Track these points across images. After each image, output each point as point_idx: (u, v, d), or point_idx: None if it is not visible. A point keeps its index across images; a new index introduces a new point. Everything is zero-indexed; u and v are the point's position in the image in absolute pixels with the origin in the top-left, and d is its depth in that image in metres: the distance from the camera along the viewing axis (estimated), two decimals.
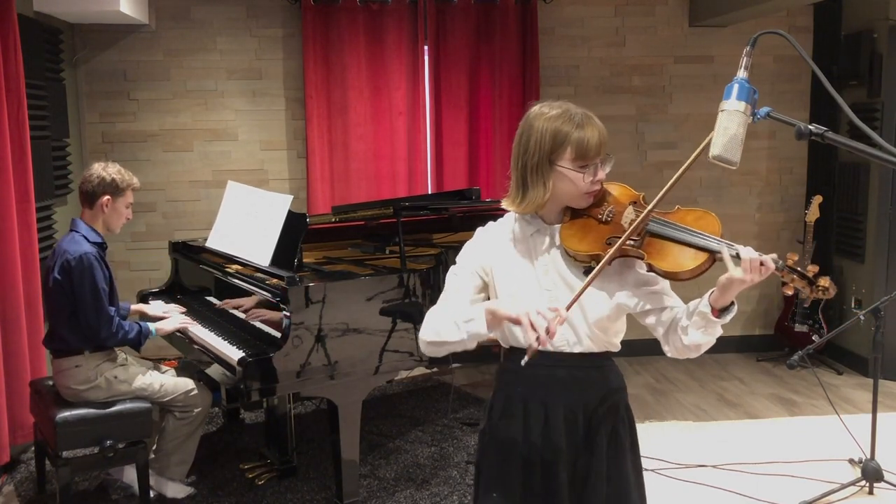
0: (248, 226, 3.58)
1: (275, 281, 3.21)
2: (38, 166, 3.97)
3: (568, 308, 1.66)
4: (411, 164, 5.21)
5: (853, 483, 3.47)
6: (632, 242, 1.73)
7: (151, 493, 3.29)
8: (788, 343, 5.40)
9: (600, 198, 1.83)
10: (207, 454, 3.86)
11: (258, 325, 3.31)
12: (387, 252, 3.89)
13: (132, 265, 5.20)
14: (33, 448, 3.68)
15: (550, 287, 1.81)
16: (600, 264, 1.70)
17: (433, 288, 3.42)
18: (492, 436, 1.92)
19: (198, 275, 3.93)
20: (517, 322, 1.64)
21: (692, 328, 1.72)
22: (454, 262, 1.93)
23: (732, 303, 1.69)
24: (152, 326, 3.37)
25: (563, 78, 5.40)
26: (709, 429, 4.30)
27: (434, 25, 5.13)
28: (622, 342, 1.91)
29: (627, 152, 5.47)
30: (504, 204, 1.86)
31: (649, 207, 1.73)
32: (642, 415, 4.49)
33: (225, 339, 3.29)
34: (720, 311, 1.68)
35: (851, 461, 3.75)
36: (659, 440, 4.09)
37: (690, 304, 1.74)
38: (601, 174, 1.79)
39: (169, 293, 4.10)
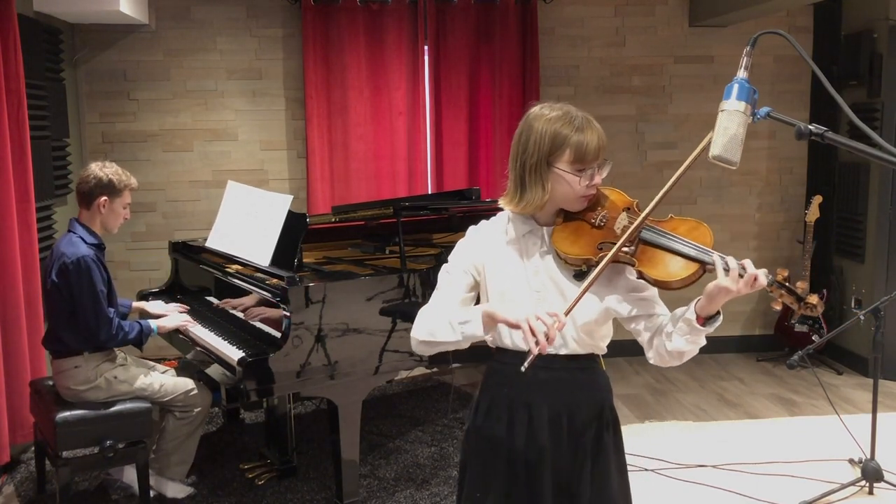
0: (248, 226, 3.58)
1: (275, 281, 3.21)
2: (38, 166, 3.97)
3: (566, 313, 1.66)
4: (411, 164, 5.21)
5: (853, 483, 3.47)
6: (625, 249, 1.73)
7: (151, 493, 3.29)
8: (788, 343, 5.40)
9: (594, 202, 1.83)
10: (207, 454, 3.86)
11: (258, 325, 3.31)
12: (387, 252, 3.89)
13: (132, 265, 5.20)
14: (33, 448, 3.68)
15: (540, 288, 1.81)
16: (597, 270, 1.70)
17: (433, 288, 3.38)
18: (477, 435, 1.93)
19: (198, 275, 3.93)
20: (516, 327, 1.64)
21: (676, 334, 1.72)
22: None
23: (718, 312, 1.69)
24: (153, 324, 3.37)
25: (563, 78, 5.40)
26: (709, 429, 4.30)
27: (434, 25, 5.13)
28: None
29: (627, 152, 5.48)
30: (501, 202, 1.86)
31: (643, 215, 1.73)
32: (642, 415, 4.50)
33: (225, 339, 3.29)
34: (705, 320, 1.69)
35: (851, 461, 3.75)
36: (659, 440, 4.09)
37: (677, 311, 1.75)
38: (598, 178, 1.79)
39: (169, 293, 4.10)
